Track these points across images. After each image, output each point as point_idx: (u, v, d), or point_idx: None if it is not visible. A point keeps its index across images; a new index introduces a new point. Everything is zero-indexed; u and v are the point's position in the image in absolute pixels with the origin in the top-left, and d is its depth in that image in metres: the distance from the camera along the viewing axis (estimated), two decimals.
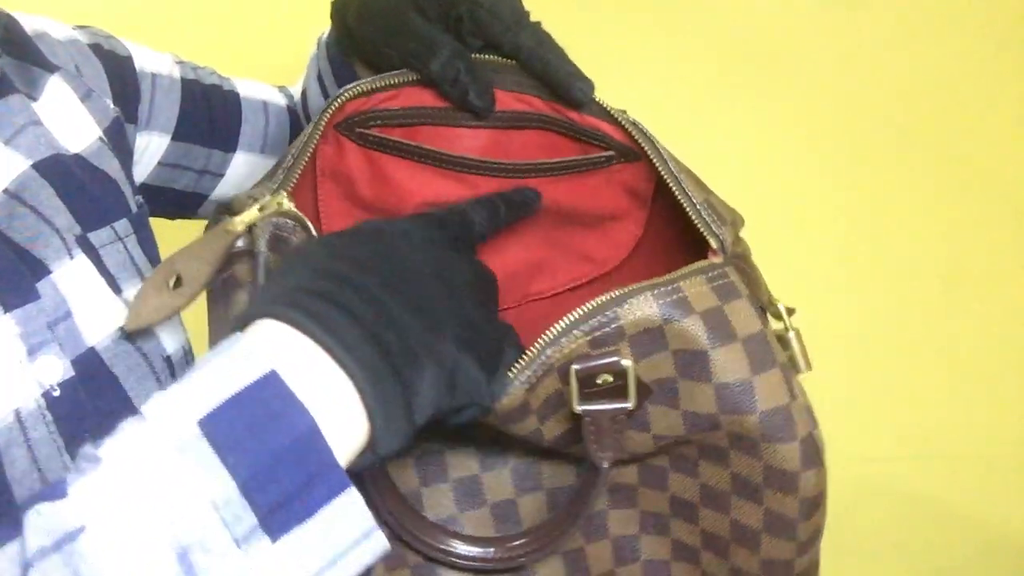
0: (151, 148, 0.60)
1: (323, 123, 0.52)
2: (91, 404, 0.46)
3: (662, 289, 0.45)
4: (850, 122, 1.00)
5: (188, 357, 0.54)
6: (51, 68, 0.53)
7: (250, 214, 0.49)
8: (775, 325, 0.51)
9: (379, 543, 0.33)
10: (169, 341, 0.52)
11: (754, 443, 0.47)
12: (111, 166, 0.53)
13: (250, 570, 0.30)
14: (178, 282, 0.47)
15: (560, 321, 0.44)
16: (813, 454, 0.46)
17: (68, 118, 0.52)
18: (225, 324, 0.50)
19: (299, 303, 0.37)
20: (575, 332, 0.44)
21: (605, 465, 0.46)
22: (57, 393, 0.46)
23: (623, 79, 0.94)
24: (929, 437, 0.99)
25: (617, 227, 0.58)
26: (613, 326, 0.44)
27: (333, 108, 0.52)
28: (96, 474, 0.31)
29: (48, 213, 0.48)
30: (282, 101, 0.69)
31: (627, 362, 0.44)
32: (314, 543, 0.31)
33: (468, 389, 0.39)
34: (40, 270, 0.47)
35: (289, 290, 0.38)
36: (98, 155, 0.52)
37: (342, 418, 0.34)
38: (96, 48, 0.57)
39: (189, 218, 0.67)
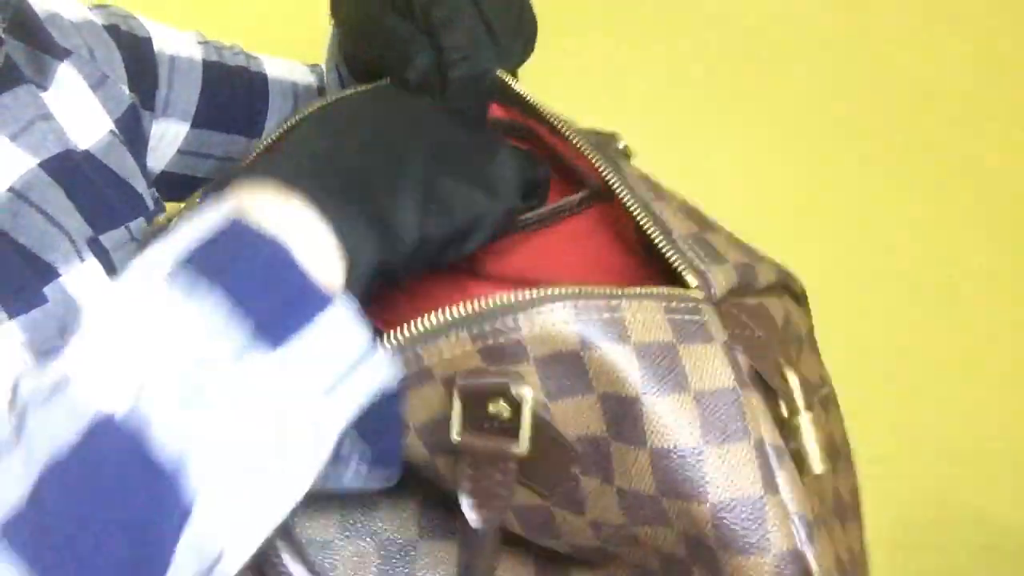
0: (168, 136, 0.57)
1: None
2: None
3: (591, 303, 0.33)
4: (850, 122, 0.99)
5: None
6: (61, 54, 0.50)
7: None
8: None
9: (380, 361, 0.32)
10: None
11: (711, 553, 0.33)
12: (123, 163, 0.50)
13: (253, 381, 0.29)
14: None
15: (436, 312, 0.33)
16: None
17: (79, 110, 0.49)
18: None
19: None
20: (459, 334, 0.33)
21: (480, 527, 0.34)
22: None
23: (623, 79, 0.96)
24: (929, 437, 0.98)
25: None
26: (510, 336, 0.33)
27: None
28: (81, 332, 0.31)
29: (56, 214, 0.45)
30: (313, 82, 0.63)
31: (524, 390, 0.32)
32: (314, 353, 0.30)
33: (464, 206, 0.37)
34: (48, 273, 0.44)
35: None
36: (109, 151, 0.49)
37: (311, 241, 0.32)
38: (112, 30, 0.54)
39: None
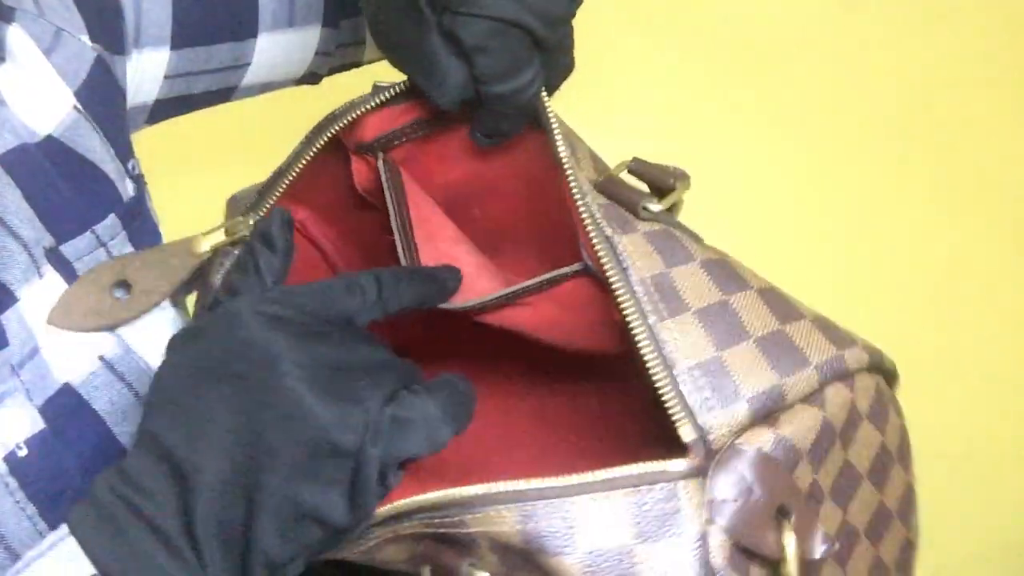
0: (149, 68, 0.48)
1: (322, 138, 0.42)
2: (69, 454, 0.40)
3: (539, 506, 0.31)
4: (849, 123, 0.96)
5: None
6: (7, 16, 0.42)
7: (216, 235, 0.43)
8: None
9: None
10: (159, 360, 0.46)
11: None
12: (91, 144, 0.43)
13: None
14: (125, 289, 0.43)
15: (395, 501, 0.33)
16: None
17: (34, 87, 0.42)
18: None
19: (86, 515, 0.33)
20: (410, 520, 0.32)
21: None
22: (24, 453, 0.38)
23: (623, 80, 0.93)
24: (929, 437, 0.84)
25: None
26: (461, 532, 0.32)
27: (340, 125, 0.42)
28: None
29: (13, 223, 0.39)
30: None
31: (482, 574, 0.32)
32: None
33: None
34: (5, 299, 0.39)
35: (94, 487, 0.34)
36: (75, 132, 0.42)
37: None
38: None
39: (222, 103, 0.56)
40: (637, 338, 0.34)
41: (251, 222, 0.43)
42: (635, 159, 0.40)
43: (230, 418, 0.31)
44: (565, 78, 0.41)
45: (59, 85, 0.42)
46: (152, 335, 0.43)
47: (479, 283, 0.42)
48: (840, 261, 0.98)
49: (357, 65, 0.57)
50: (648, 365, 0.34)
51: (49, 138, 0.41)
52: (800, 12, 0.96)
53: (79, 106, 0.42)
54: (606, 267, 0.35)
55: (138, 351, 0.42)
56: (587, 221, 0.36)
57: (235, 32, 0.50)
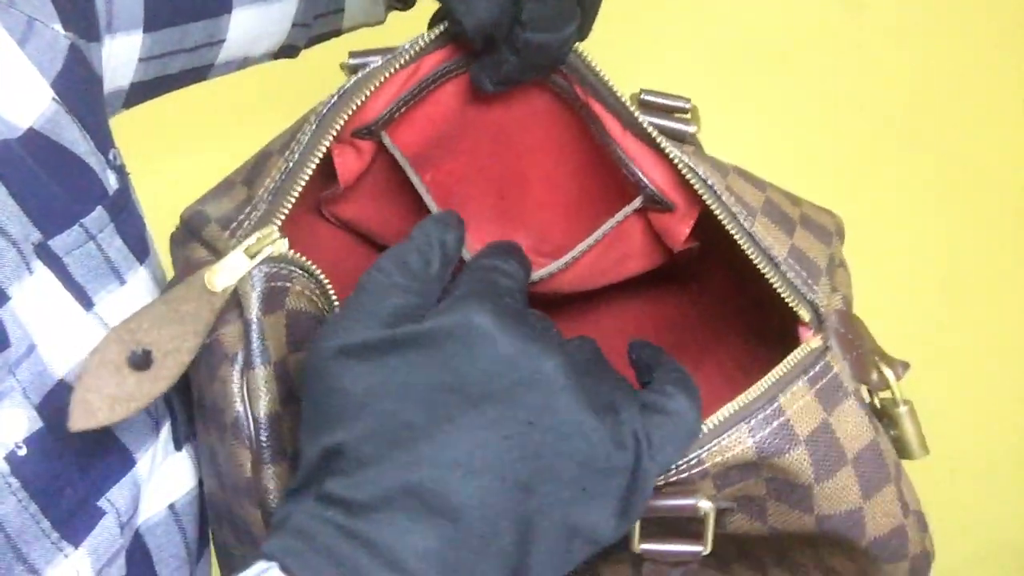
0: (123, 53, 0.46)
1: (333, 129, 0.38)
2: (69, 451, 0.37)
3: (759, 416, 0.34)
4: (849, 123, 0.96)
5: None
6: None
7: (237, 261, 0.37)
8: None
9: None
10: None
11: (861, 555, 0.37)
12: (72, 135, 0.40)
13: None
14: (146, 359, 0.36)
15: None
16: (922, 569, 0.37)
17: (11, 80, 0.39)
18: (202, 407, 0.39)
19: (291, 543, 0.29)
20: None
21: None
22: (23, 452, 0.36)
23: (623, 80, 0.90)
24: (929, 437, 1.01)
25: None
26: (696, 471, 0.33)
27: (355, 106, 0.38)
28: None
29: (0, 220, 0.36)
30: None
31: (705, 504, 0.34)
32: None
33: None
34: None
35: (291, 512, 0.30)
36: (55, 124, 0.39)
37: None
38: None
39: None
40: (741, 243, 0.37)
41: (276, 236, 0.37)
42: (644, 90, 0.41)
43: (500, 443, 0.29)
44: (584, 38, 0.40)
45: (35, 76, 0.39)
46: None
47: None
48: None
49: (337, 34, 0.54)
50: (757, 263, 0.37)
51: (30, 131, 0.38)
52: (800, 12, 0.94)
53: (56, 97, 0.40)
54: (697, 187, 0.37)
55: None
56: (667, 149, 0.38)
57: (208, 9, 0.48)
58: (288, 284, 0.38)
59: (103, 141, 0.41)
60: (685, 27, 0.94)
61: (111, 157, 0.41)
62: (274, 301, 0.37)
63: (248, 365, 0.37)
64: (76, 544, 0.36)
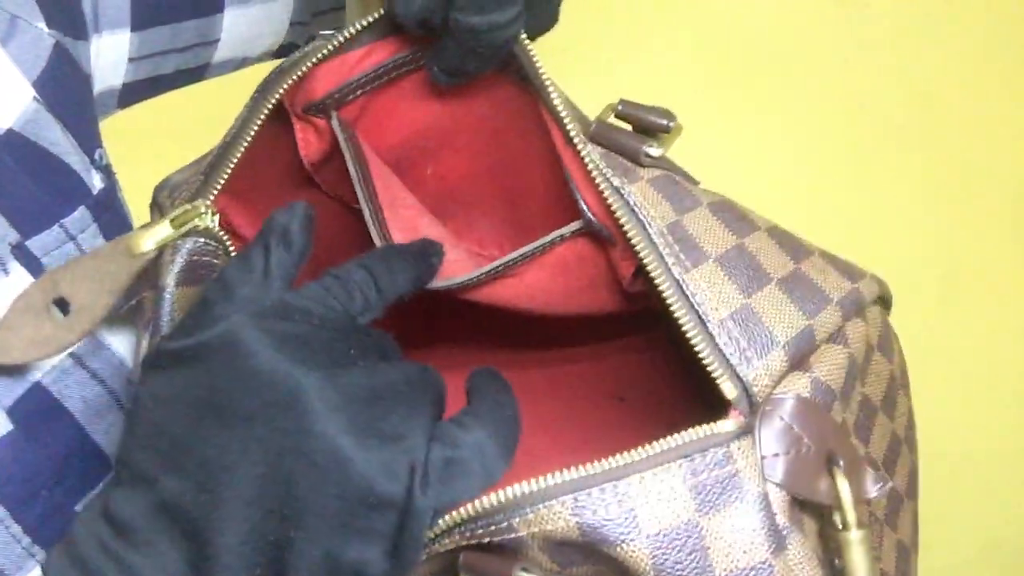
0: (111, 52, 0.45)
1: (273, 96, 0.37)
2: (42, 455, 0.37)
3: (593, 493, 0.28)
4: (848, 122, 0.94)
5: None
6: None
7: (160, 230, 0.37)
8: None
9: None
10: (137, 360, 0.40)
11: None
12: (53, 136, 0.40)
13: None
14: (64, 308, 0.37)
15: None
16: None
17: None
18: None
19: (61, 554, 0.28)
20: (451, 536, 0.29)
21: None
22: None
23: (623, 79, 0.90)
24: (929, 437, 0.87)
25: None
26: (508, 536, 0.28)
27: (290, 81, 0.37)
28: None
29: None
30: None
31: None
32: None
33: None
34: None
35: (73, 530, 0.29)
36: (35, 124, 0.39)
37: None
38: None
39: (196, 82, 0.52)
40: (665, 294, 0.31)
41: (203, 209, 0.37)
42: (623, 101, 0.36)
43: (250, 468, 0.26)
44: (547, 30, 0.37)
45: (16, 76, 0.39)
46: (124, 326, 0.40)
47: (447, 257, 0.38)
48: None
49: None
50: (680, 322, 0.31)
51: (9, 132, 0.38)
52: (798, 11, 0.94)
53: (38, 96, 0.39)
54: (621, 220, 0.32)
55: (111, 345, 0.39)
56: (594, 173, 0.33)
57: (199, 8, 0.46)
58: (215, 261, 0.38)
59: (88, 141, 0.41)
60: (685, 27, 0.93)
61: (96, 157, 0.41)
62: (196, 275, 0.37)
63: (155, 332, 0.37)
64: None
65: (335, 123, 0.39)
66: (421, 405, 0.28)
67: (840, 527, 0.31)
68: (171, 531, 0.27)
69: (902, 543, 0.42)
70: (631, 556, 0.27)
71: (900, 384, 0.42)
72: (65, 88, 0.40)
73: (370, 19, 0.37)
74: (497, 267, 0.36)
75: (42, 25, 0.40)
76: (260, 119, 0.37)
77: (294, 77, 0.37)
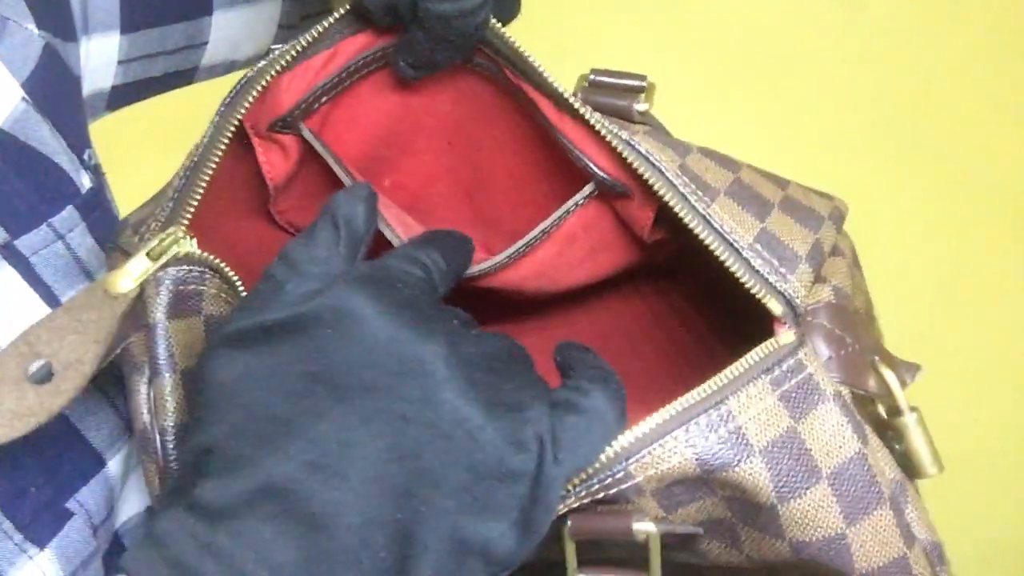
0: (100, 54, 0.45)
1: (239, 110, 0.35)
2: (32, 451, 0.35)
3: (701, 422, 0.28)
4: (848, 122, 0.94)
5: None
6: None
7: (138, 264, 0.34)
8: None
9: None
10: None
11: None
12: (42, 136, 0.38)
13: None
14: (46, 372, 0.34)
15: None
16: None
17: None
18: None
19: (145, 552, 0.26)
20: (570, 494, 0.28)
21: None
22: None
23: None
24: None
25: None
26: (625, 485, 0.28)
27: (255, 92, 0.35)
28: None
29: None
30: None
31: (645, 526, 0.28)
32: None
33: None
34: None
35: (156, 520, 0.27)
36: (24, 124, 0.38)
37: None
38: None
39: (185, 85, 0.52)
40: (696, 229, 0.32)
41: (180, 235, 0.34)
42: (594, 70, 0.37)
43: (372, 442, 0.25)
44: (510, 18, 0.37)
45: (5, 76, 0.38)
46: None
47: None
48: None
49: None
50: (715, 252, 0.31)
51: None
52: (799, 12, 0.93)
53: (27, 97, 0.38)
54: (640, 170, 0.33)
55: None
56: (603, 132, 0.33)
57: (188, 11, 0.46)
58: (202, 287, 0.35)
59: (77, 141, 0.40)
60: (685, 27, 0.93)
61: (86, 157, 0.40)
62: (186, 305, 0.34)
63: (154, 373, 0.34)
64: (41, 546, 0.35)
65: (306, 133, 0.37)
66: (530, 373, 0.28)
67: (894, 414, 0.33)
68: (278, 517, 0.25)
69: None
70: (749, 474, 0.28)
71: (857, 266, 0.43)
72: (54, 89, 0.39)
73: (331, 19, 0.35)
74: (519, 248, 0.35)
75: (32, 27, 0.39)
76: (227, 136, 0.35)
77: (259, 88, 0.35)
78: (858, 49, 0.92)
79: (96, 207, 0.40)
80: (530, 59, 0.35)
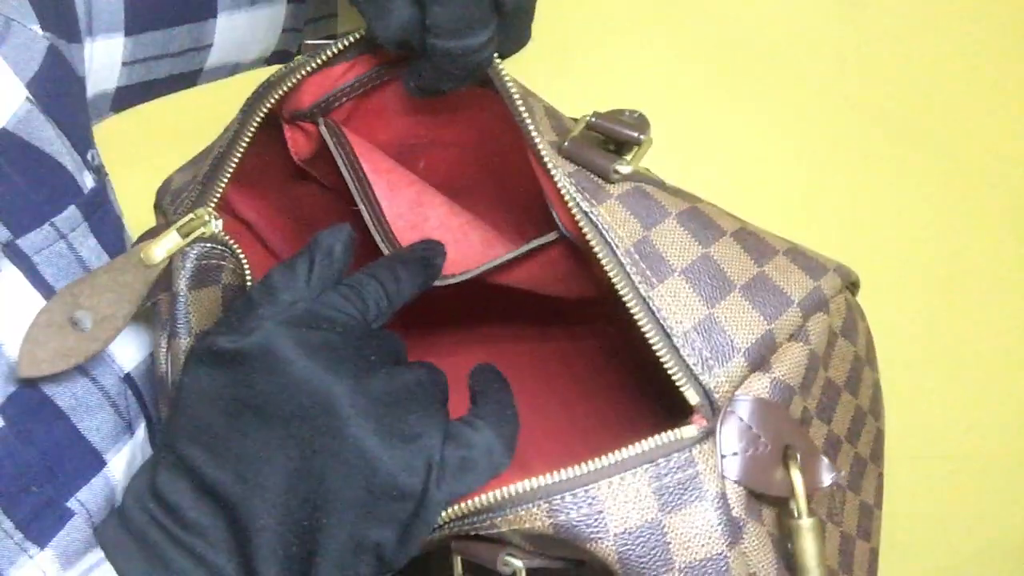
0: (104, 56, 0.45)
1: (262, 110, 0.39)
2: (32, 452, 0.37)
3: (566, 498, 0.31)
4: (847, 123, 0.93)
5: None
6: None
7: (170, 239, 0.40)
8: None
9: None
10: (126, 355, 0.42)
11: None
12: (46, 136, 0.40)
13: None
14: (83, 321, 0.39)
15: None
16: None
17: None
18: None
19: (118, 535, 0.32)
20: (444, 529, 0.32)
21: None
22: None
23: (623, 80, 0.89)
24: (929, 437, 0.95)
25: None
26: (492, 532, 0.31)
27: (278, 95, 0.39)
28: None
29: None
30: None
31: (515, 563, 0.32)
32: None
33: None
34: None
35: (125, 504, 0.33)
36: (28, 124, 0.39)
37: None
38: None
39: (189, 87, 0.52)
40: (632, 310, 0.33)
41: (207, 217, 0.40)
42: (595, 113, 0.38)
43: (286, 462, 0.30)
44: (519, 48, 0.38)
45: (10, 77, 0.39)
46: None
47: (459, 239, 0.40)
48: (839, 261, 0.92)
49: (332, 40, 0.54)
50: (647, 335, 0.33)
51: (2, 132, 0.38)
52: (799, 12, 0.93)
53: (31, 97, 0.39)
54: (591, 242, 0.34)
55: None
56: (565, 196, 0.35)
57: (193, 13, 0.46)
58: (223, 262, 0.40)
59: (81, 141, 0.41)
60: (684, 28, 0.92)
61: (89, 157, 0.42)
62: (207, 277, 0.40)
63: (173, 335, 0.40)
64: (42, 545, 0.36)
65: (323, 129, 0.41)
66: (433, 404, 0.32)
67: (795, 515, 0.34)
68: (215, 514, 0.31)
69: (865, 503, 0.45)
70: (599, 552, 0.30)
71: (865, 361, 0.44)
72: (58, 89, 0.40)
73: (352, 38, 0.38)
74: (487, 270, 0.38)
75: (36, 28, 0.40)
76: (251, 131, 0.39)
77: (282, 91, 0.39)
78: (858, 49, 0.92)
79: (98, 207, 0.41)
80: (520, 107, 0.36)
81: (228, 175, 0.39)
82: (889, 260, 0.95)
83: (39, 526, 0.36)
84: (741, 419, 0.33)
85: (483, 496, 0.31)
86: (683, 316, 0.33)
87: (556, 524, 0.30)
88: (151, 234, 0.42)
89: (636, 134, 0.37)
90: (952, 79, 0.91)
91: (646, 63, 0.93)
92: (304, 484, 0.30)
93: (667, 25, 0.92)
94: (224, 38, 0.49)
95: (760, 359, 0.35)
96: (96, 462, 0.39)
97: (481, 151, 0.45)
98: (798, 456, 0.34)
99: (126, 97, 0.48)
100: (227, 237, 0.39)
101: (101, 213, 0.41)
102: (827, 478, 0.35)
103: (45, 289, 0.39)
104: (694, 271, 0.35)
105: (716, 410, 0.33)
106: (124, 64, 0.46)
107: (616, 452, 0.31)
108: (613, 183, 0.36)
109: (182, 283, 0.39)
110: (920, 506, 0.96)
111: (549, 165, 0.35)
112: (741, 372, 0.34)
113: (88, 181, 0.41)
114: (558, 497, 0.31)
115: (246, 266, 0.39)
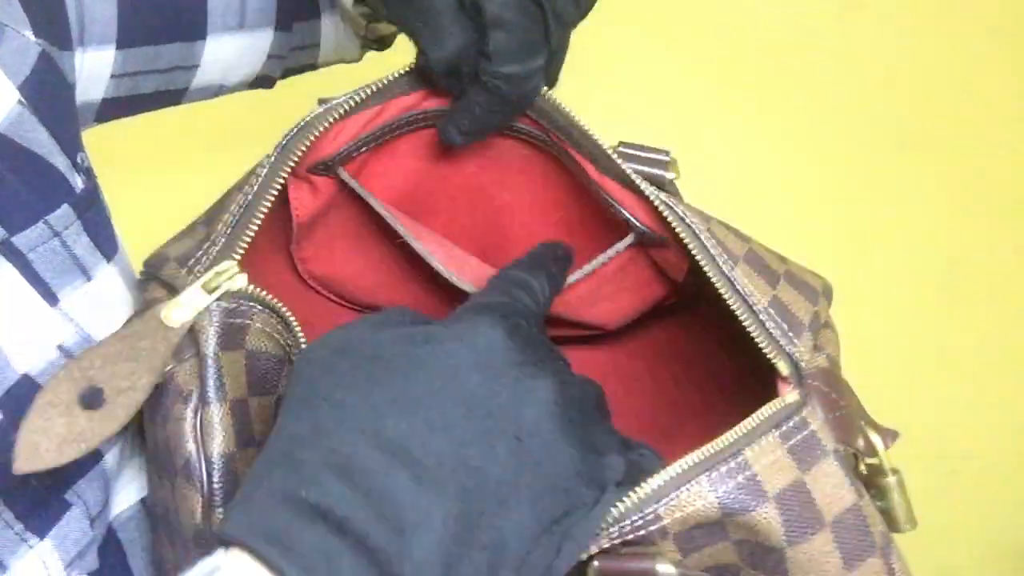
0: (95, 67, 0.45)
1: (291, 160, 0.37)
2: None
3: (722, 469, 0.31)
4: (847, 123, 0.95)
5: None
6: None
7: (194, 296, 0.36)
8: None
9: None
10: None
11: None
12: (37, 138, 0.39)
13: None
14: (98, 397, 0.35)
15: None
16: None
17: None
18: (155, 452, 0.37)
19: (275, 532, 0.27)
20: (601, 536, 0.30)
21: None
22: None
23: (623, 80, 0.90)
24: (929, 437, 0.93)
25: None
26: (653, 528, 0.30)
27: (312, 138, 0.38)
28: None
29: None
30: None
31: (669, 570, 0.31)
32: None
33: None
34: None
35: (268, 505, 0.28)
36: (19, 126, 0.38)
37: None
38: None
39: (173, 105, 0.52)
40: (720, 288, 0.35)
41: (233, 271, 0.36)
42: (622, 143, 0.40)
43: (492, 452, 0.28)
44: (551, 87, 0.40)
45: (2, 80, 0.39)
46: (109, 317, 0.40)
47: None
48: (840, 261, 0.89)
49: (312, 68, 0.54)
50: (735, 310, 0.35)
51: None
52: (799, 13, 0.93)
53: (23, 100, 0.39)
54: (677, 229, 0.36)
55: (97, 336, 0.39)
56: (647, 192, 0.37)
57: (183, 33, 0.48)
58: (248, 322, 0.37)
59: (71, 145, 0.41)
60: (684, 28, 0.93)
61: (79, 160, 0.41)
62: (233, 339, 0.36)
63: (203, 402, 0.35)
64: (41, 535, 0.36)
65: (344, 175, 0.39)
66: (609, 423, 0.32)
67: (878, 475, 0.36)
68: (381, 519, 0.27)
69: None
70: (764, 518, 0.31)
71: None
72: (50, 94, 0.40)
73: (391, 77, 0.38)
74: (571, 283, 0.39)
75: (29, 34, 0.40)
76: (283, 177, 0.37)
77: (315, 134, 0.37)
78: (858, 49, 0.92)
79: (90, 206, 0.41)
80: (578, 121, 0.38)
81: (257, 224, 0.37)
82: (889, 260, 0.96)
83: (39, 517, 0.36)
84: (821, 387, 0.35)
85: (653, 481, 0.30)
86: (759, 295, 0.35)
87: (721, 499, 0.30)
88: (149, 306, 0.38)
89: (664, 155, 0.40)
90: (953, 79, 0.92)
91: (646, 63, 0.93)
92: (498, 469, 0.28)
93: (666, 27, 0.93)
94: (211, 59, 0.49)
95: (816, 337, 0.37)
96: (93, 456, 0.38)
97: (473, 214, 0.45)
98: (863, 421, 0.36)
99: (111, 109, 0.48)
100: (263, 293, 0.36)
101: (93, 212, 0.41)
102: (891, 440, 0.37)
103: (40, 286, 0.38)
104: (750, 259, 0.37)
105: (802, 379, 0.35)
106: (113, 76, 0.46)
107: (746, 422, 0.32)
108: (665, 189, 0.38)
109: (212, 344, 0.35)
110: (919, 506, 1.00)
111: (621, 163, 0.36)
112: (811, 345, 0.36)
113: (79, 182, 0.40)
114: (716, 470, 0.31)
115: (294, 323, 0.37)
